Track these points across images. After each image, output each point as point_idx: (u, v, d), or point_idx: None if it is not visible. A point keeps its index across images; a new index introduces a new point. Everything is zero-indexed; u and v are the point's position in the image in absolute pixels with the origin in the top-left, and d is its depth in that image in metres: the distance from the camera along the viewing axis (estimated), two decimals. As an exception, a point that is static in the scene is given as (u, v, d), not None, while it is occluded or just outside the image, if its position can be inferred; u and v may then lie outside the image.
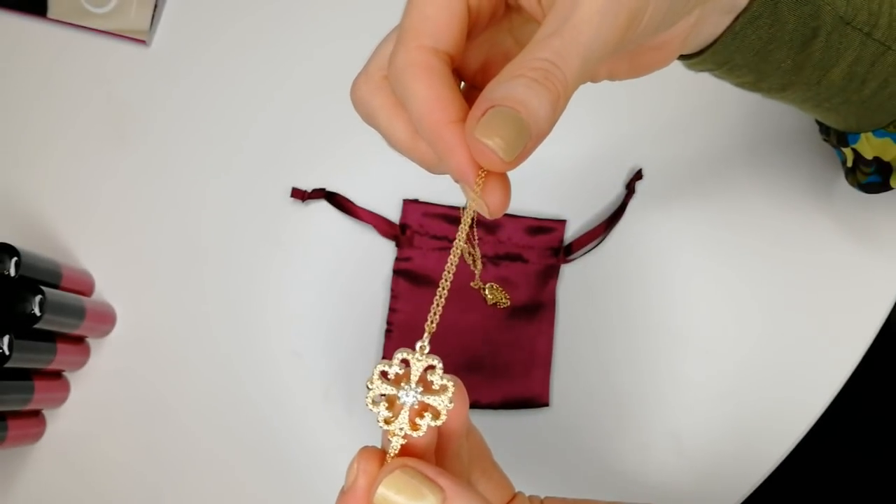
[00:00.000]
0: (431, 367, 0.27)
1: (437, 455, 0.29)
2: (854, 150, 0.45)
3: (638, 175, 0.56)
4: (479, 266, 0.53)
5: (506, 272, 0.55)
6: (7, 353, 0.47)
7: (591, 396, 0.55)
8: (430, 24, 0.27)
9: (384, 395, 0.27)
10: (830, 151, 0.54)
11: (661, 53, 0.33)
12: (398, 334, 0.55)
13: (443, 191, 0.55)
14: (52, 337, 0.52)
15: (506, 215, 0.55)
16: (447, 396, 0.26)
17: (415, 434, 0.26)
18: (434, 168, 0.30)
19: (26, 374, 0.51)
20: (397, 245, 0.56)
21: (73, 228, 0.57)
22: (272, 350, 0.56)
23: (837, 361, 0.54)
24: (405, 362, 0.27)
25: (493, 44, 0.32)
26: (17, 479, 0.55)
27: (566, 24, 0.26)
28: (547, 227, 0.55)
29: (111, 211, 0.57)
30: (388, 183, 0.56)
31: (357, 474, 0.27)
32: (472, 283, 0.53)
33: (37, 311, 0.48)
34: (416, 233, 0.55)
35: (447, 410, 0.26)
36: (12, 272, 0.48)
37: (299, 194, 0.56)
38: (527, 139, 0.25)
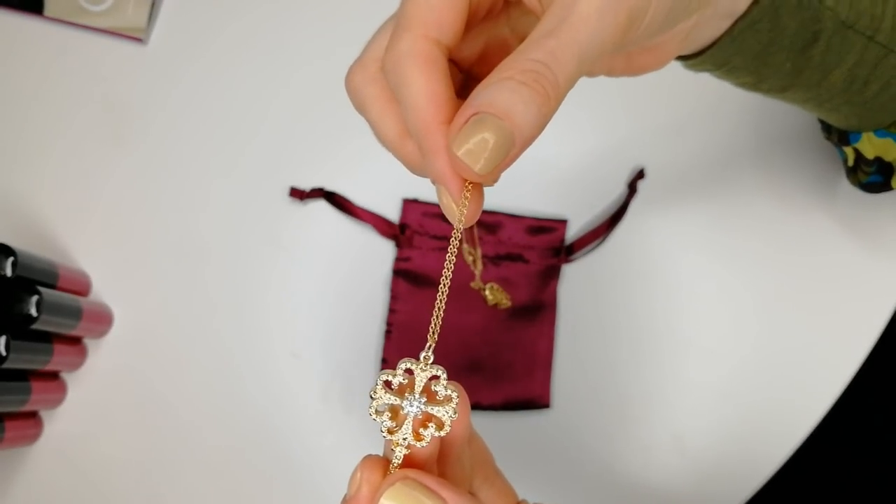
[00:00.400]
0: (436, 378, 0.26)
1: (438, 462, 0.29)
2: (855, 150, 0.44)
3: (640, 174, 0.56)
4: (480, 266, 0.53)
5: (506, 272, 0.55)
6: (4, 353, 0.47)
7: (592, 398, 0.54)
8: (434, 14, 0.27)
9: (388, 405, 0.27)
10: (833, 152, 0.54)
11: (656, 55, 0.33)
12: (397, 335, 0.54)
13: (443, 190, 0.55)
14: (48, 338, 0.51)
15: (506, 215, 0.55)
16: (451, 407, 0.26)
17: (418, 444, 0.26)
18: (417, 169, 0.29)
19: (23, 375, 0.51)
20: (397, 245, 0.55)
21: (70, 228, 0.57)
22: (271, 350, 0.55)
23: (840, 363, 0.54)
24: (409, 372, 0.27)
25: (490, 34, 0.32)
26: (15, 481, 0.54)
27: (563, 24, 0.25)
28: (548, 227, 0.55)
29: (108, 211, 0.57)
30: (388, 182, 0.56)
31: (360, 484, 0.26)
32: (472, 284, 0.53)
33: (33, 311, 0.48)
34: (416, 233, 0.55)
35: (451, 421, 0.26)
36: (9, 272, 0.48)
37: (298, 194, 0.56)
38: (509, 148, 0.24)
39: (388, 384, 0.26)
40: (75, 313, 0.51)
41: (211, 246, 0.57)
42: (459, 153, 0.24)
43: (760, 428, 0.54)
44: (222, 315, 0.56)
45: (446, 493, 0.25)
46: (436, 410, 0.26)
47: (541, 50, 0.25)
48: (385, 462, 0.27)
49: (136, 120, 0.58)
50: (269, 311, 0.56)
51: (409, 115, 0.26)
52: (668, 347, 0.55)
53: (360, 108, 0.30)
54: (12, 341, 0.47)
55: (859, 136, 0.44)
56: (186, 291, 0.56)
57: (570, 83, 0.25)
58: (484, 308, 0.54)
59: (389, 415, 0.27)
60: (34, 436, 0.54)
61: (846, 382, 0.54)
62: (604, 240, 0.55)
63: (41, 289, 0.48)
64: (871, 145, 0.43)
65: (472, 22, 0.29)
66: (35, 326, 0.48)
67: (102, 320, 0.55)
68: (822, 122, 0.47)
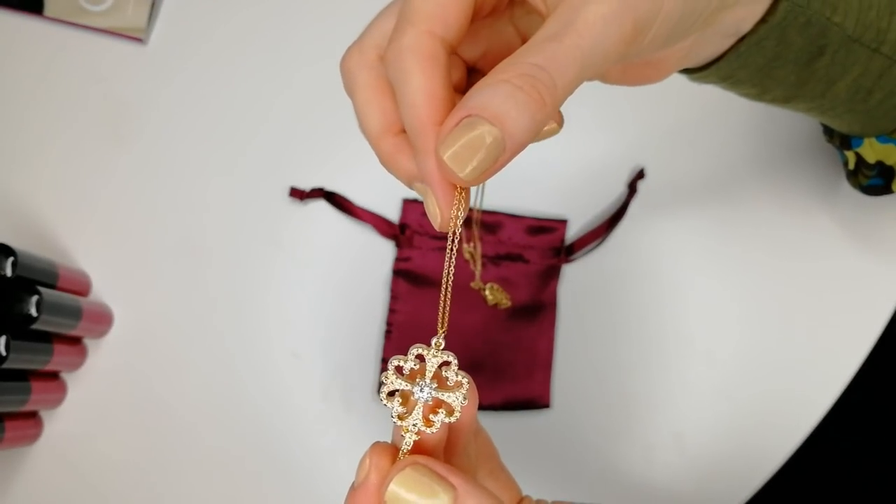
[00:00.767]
0: (447, 364, 0.26)
1: (445, 452, 0.29)
2: (857, 154, 0.44)
3: (640, 174, 0.56)
4: (480, 266, 0.53)
5: (506, 272, 0.54)
6: (4, 353, 0.47)
7: (592, 398, 0.54)
8: (439, 10, 0.26)
9: (398, 390, 0.27)
10: (834, 155, 0.54)
11: (654, 70, 0.33)
12: (398, 335, 0.54)
13: (443, 190, 0.55)
14: (48, 337, 0.51)
15: (506, 215, 0.55)
16: (462, 393, 0.26)
17: (428, 430, 0.26)
18: (389, 166, 0.29)
19: (23, 375, 0.51)
20: (397, 245, 0.55)
21: (70, 228, 0.57)
22: (271, 350, 0.55)
23: (840, 363, 0.54)
24: (420, 358, 0.26)
25: (494, 33, 0.31)
26: (15, 481, 0.54)
27: (567, 28, 0.25)
28: (548, 227, 0.55)
29: (108, 211, 0.57)
30: (388, 182, 0.55)
31: (369, 470, 0.26)
32: (472, 284, 0.53)
33: (33, 311, 0.48)
34: (416, 232, 0.55)
35: (461, 407, 0.26)
36: (9, 272, 0.48)
37: (298, 194, 0.56)
38: (499, 154, 0.24)
39: (399, 369, 0.26)
40: (75, 313, 0.51)
41: (211, 246, 0.57)
42: (445, 157, 0.24)
43: (761, 427, 0.54)
44: (222, 315, 0.56)
45: (456, 479, 0.25)
46: (446, 396, 0.26)
47: (541, 53, 0.24)
48: (394, 449, 0.27)
49: (135, 120, 0.58)
50: (269, 311, 0.56)
51: (406, 112, 0.26)
52: (669, 347, 0.55)
53: (350, 91, 0.30)
54: (12, 341, 0.47)
55: (861, 141, 0.44)
56: (186, 291, 0.56)
57: (570, 90, 0.25)
58: (484, 308, 0.54)
59: (400, 400, 0.26)
60: (34, 436, 0.54)
61: (846, 382, 0.54)
62: (604, 240, 0.55)
63: (41, 289, 0.48)
64: (872, 150, 0.43)
65: (476, 18, 0.29)
66: (35, 326, 0.48)
67: (102, 320, 0.55)
68: (824, 126, 0.47)
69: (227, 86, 0.58)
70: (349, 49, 0.30)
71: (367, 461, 0.26)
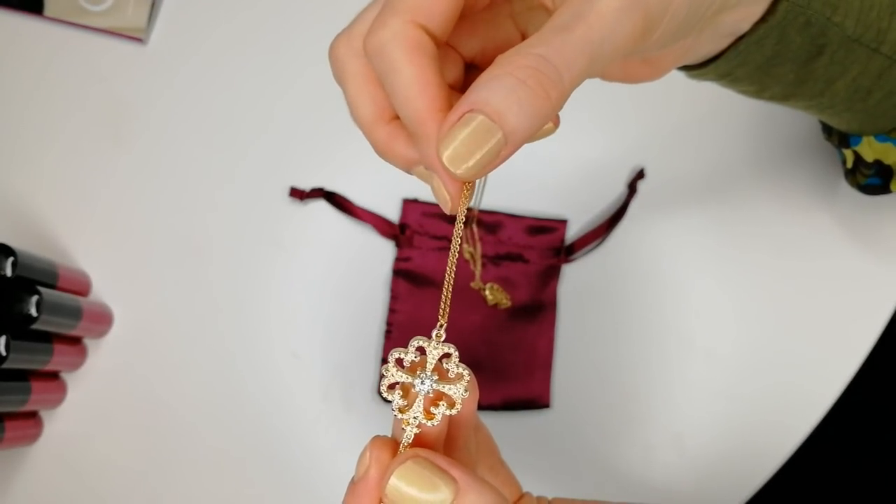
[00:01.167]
0: (447, 356, 0.26)
1: (445, 447, 0.29)
2: (855, 152, 0.44)
3: (640, 174, 0.56)
4: (480, 266, 0.53)
5: (506, 272, 0.54)
6: (4, 353, 0.46)
7: (592, 398, 0.54)
8: (427, 3, 0.26)
9: (399, 382, 0.26)
10: (833, 153, 0.54)
11: (654, 67, 0.33)
12: (398, 335, 0.54)
13: (443, 190, 0.55)
14: (48, 337, 0.51)
15: (506, 215, 0.55)
16: (463, 385, 0.26)
17: (429, 423, 0.26)
18: (385, 155, 0.29)
19: (23, 375, 0.51)
20: (397, 245, 0.55)
21: (70, 228, 0.57)
22: (271, 350, 0.55)
23: (840, 363, 0.54)
24: (421, 350, 0.26)
25: (492, 26, 0.31)
26: (15, 481, 0.54)
27: (578, 20, 0.24)
28: (548, 227, 0.55)
29: (108, 211, 0.57)
30: (388, 182, 0.56)
31: (369, 464, 0.26)
32: (472, 284, 0.53)
33: (33, 311, 0.48)
34: (416, 232, 0.55)
35: (462, 399, 0.26)
36: (9, 272, 0.48)
37: (298, 194, 0.56)
38: (500, 150, 0.23)
39: (399, 362, 0.26)
40: (75, 313, 0.51)
41: (211, 246, 0.57)
42: (444, 155, 0.23)
43: (761, 427, 0.54)
44: (222, 315, 0.56)
45: (457, 472, 0.25)
46: (447, 388, 0.26)
47: (548, 45, 0.24)
48: (394, 442, 0.27)
49: (135, 120, 0.58)
50: (269, 311, 0.56)
51: (401, 105, 0.25)
52: (669, 347, 0.55)
53: (340, 80, 0.29)
54: (12, 341, 0.47)
55: (859, 140, 0.44)
56: (187, 291, 0.56)
57: (577, 83, 0.24)
58: (484, 308, 0.54)
59: (401, 393, 0.26)
60: (34, 436, 0.54)
61: (846, 383, 0.54)
62: (604, 240, 0.55)
63: (41, 289, 0.48)
64: (870, 149, 0.43)
65: (471, 10, 0.28)
66: (35, 326, 0.48)
67: (102, 320, 0.55)
68: (823, 124, 0.47)
69: (227, 86, 0.58)
70: (337, 37, 0.29)
71: (368, 455, 0.26)
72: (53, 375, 0.54)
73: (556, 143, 0.57)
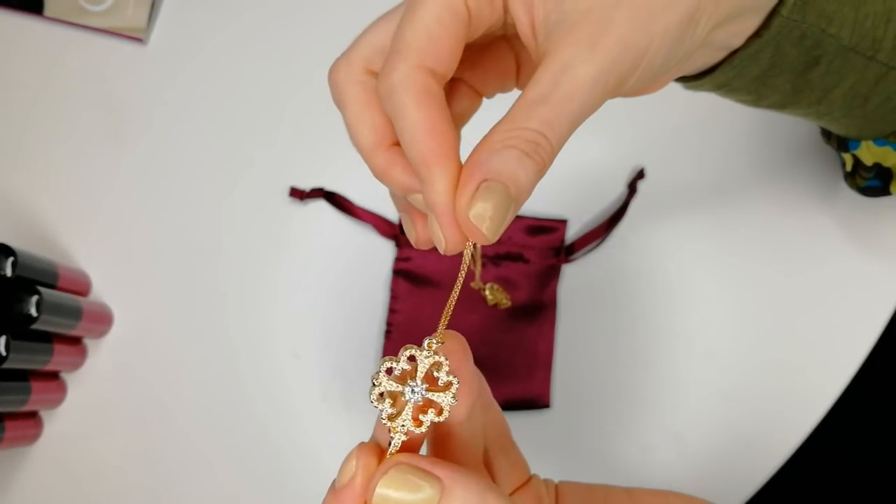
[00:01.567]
0: (438, 364, 0.26)
1: (440, 434, 0.29)
2: (854, 156, 0.44)
3: (640, 174, 0.56)
4: (480, 266, 0.53)
5: (506, 272, 0.54)
6: (4, 353, 0.47)
7: (592, 397, 0.54)
8: (433, 46, 0.27)
9: (389, 391, 0.27)
10: (833, 155, 0.54)
11: (647, 86, 0.33)
12: (398, 335, 0.54)
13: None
14: (48, 337, 0.51)
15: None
16: (451, 394, 0.26)
17: (417, 431, 0.26)
18: (383, 180, 0.30)
19: (23, 375, 0.51)
20: (397, 245, 0.55)
21: (70, 228, 0.57)
22: (271, 351, 0.55)
23: (840, 363, 0.54)
24: (412, 359, 0.27)
25: (492, 56, 0.32)
26: (14, 481, 0.54)
27: (558, 91, 0.26)
28: (548, 227, 0.55)
29: (108, 211, 0.57)
30: (388, 182, 0.56)
31: (356, 471, 0.26)
32: (472, 284, 0.53)
33: (33, 311, 0.48)
34: (416, 232, 0.55)
35: (451, 407, 0.26)
36: (9, 272, 0.48)
37: (298, 194, 0.56)
38: (512, 213, 0.26)
39: (390, 371, 0.27)
40: (75, 313, 0.51)
41: (211, 246, 0.57)
42: (472, 214, 0.26)
43: (760, 428, 0.54)
44: (222, 315, 0.56)
45: (441, 470, 0.25)
46: (436, 397, 0.26)
47: (537, 119, 0.26)
48: (380, 448, 0.27)
49: (136, 120, 0.58)
50: (268, 310, 0.56)
51: (408, 147, 0.27)
52: (669, 347, 0.55)
53: (339, 105, 0.30)
54: (12, 341, 0.47)
55: (858, 144, 0.44)
56: (186, 291, 0.56)
57: (562, 146, 0.27)
58: (484, 308, 0.54)
59: (391, 401, 0.27)
60: (34, 436, 0.54)
61: (846, 383, 0.54)
62: (604, 240, 0.55)
63: (41, 289, 0.48)
64: (869, 153, 0.43)
65: (474, 52, 0.30)
66: (35, 326, 0.48)
67: (102, 320, 0.55)
68: (822, 128, 0.47)
69: (228, 86, 0.58)
70: (337, 62, 0.30)
71: (354, 461, 0.26)
72: (53, 375, 0.54)
73: (556, 143, 0.57)
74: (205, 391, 0.55)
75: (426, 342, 0.27)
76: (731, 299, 0.55)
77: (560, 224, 0.55)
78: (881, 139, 0.42)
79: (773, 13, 0.32)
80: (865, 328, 0.54)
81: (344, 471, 0.27)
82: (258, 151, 0.58)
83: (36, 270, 0.50)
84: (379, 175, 0.30)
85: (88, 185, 0.57)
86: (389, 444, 0.27)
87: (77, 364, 0.55)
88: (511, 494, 0.32)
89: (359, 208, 0.56)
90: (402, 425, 0.26)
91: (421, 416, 0.26)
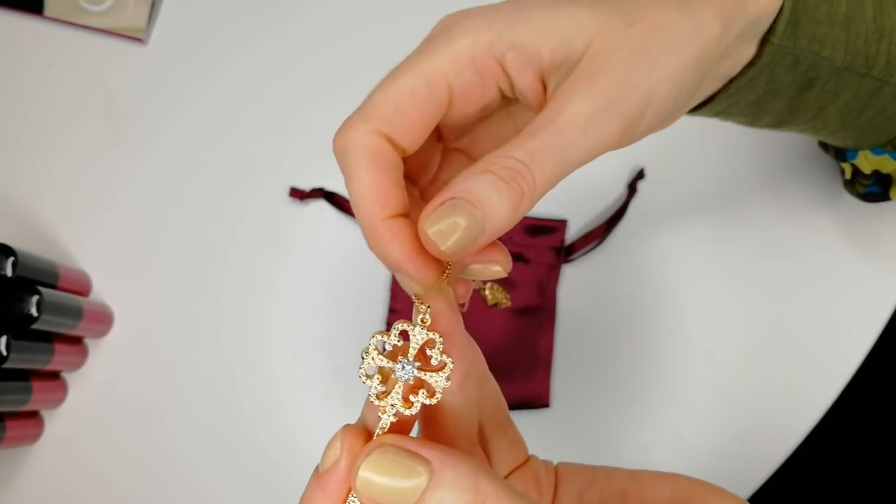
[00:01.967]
0: (431, 343, 0.25)
1: (431, 407, 0.27)
2: (853, 165, 0.45)
3: (640, 175, 0.56)
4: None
5: (506, 272, 0.54)
6: (4, 353, 0.47)
7: (592, 397, 0.54)
8: (398, 116, 0.27)
9: (380, 368, 0.25)
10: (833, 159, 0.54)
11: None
12: (398, 335, 0.54)
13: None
14: (49, 337, 0.51)
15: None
16: (444, 375, 0.25)
17: (407, 412, 0.25)
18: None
19: (24, 375, 0.51)
20: (397, 245, 0.55)
21: (70, 228, 0.57)
22: (271, 350, 0.55)
23: (839, 363, 0.54)
24: (404, 335, 0.25)
25: (488, 121, 0.32)
26: (16, 480, 0.54)
27: (548, 125, 0.26)
28: (548, 227, 0.55)
29: (108, 210, 0.57)
30: (388, 182, 0.56)
31: (340, 454, 0.25)
32: (472, 284, 0.53)
33: (34, 311, 0.48)
34: (416, 232, 0.55)
35: (443, 389, 0.25)
36: (9, 272, 0.48)
37: (298, 194, 0.56)
38: (478, 234, 0.25)
39: (381, 347, 0.25)
40: (76, 313, 0.51)
41: (211, 246, 0.57)
42: (430, 231, 0.25)
43: (760, 428, 0.54)
44: (222, 315, 0.56)
45: (429, 452, 0.23)
46: (428, 377, 0.25)
47: (522, 149, 0.25)
48: (365, 431, 0.26)
49: (135, 120, 0.58)
50: (269, 311, 0.56)
51: (355, 209, 0.27)
52: (668, 347, 0.55)
53: (343, 170, 0.30)
54: (13, 341, 0.47)
55: (856, 154, 0.44)
56: (186, 291, 0.56)
57: (549, 185, 0.26)
58: (484, 308, 0.54)
59: (380, 378, 0.25)
60: (35, 435, 0.54)
61: (845, 383, 0.54)
62: (603, 240, 0.55)
63: (41, 289, 0.48)
64: (867, 162, 0.44)
65: (467, 124, 0.30)
66: (35, 326, 0.48)
67: (103, 320, 0.55)
68: (819, 140, 0.47)
69: (227, 86, 0.58)
70: (347, 124, 0.30)
71: (339, 444, 0.25)
72: (54, 375, 0.54)
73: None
74: (205, 390, 0.55)
75: (419, 318, 0.25)
76: (730, 299, 0.55)
77: (560, 224, 0.55)
78: (878, 148, 0.42)
79: (764, 41, 0.32)
80: (864, 329, 0.54)
81: (328, 454, 0.25)
82: (258, 151, 0.58)
83: (36, 270, 0.50)
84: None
85: (88, 185, 0.57)
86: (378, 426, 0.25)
87: (78, 364, 0.55)
88: (509, 475, 0.31)
89: (359, 208, 0.56)
90: (392, 405, 0.25)
91: (411, 397, 0.25)
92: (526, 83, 0.28)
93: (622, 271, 0.55)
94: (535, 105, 0.29)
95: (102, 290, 0.56)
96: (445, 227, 0.25)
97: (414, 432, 0.27)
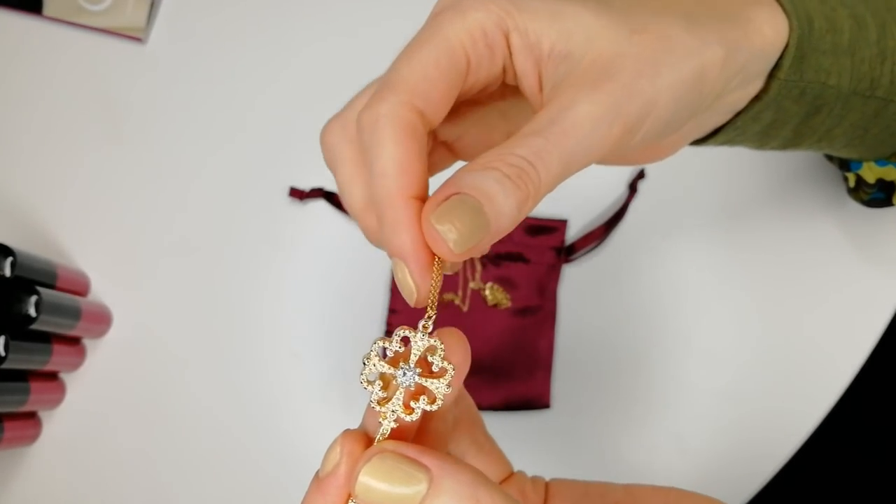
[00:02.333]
0: (433, 349, 0.25)
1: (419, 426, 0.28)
2: (857, 174, 0.45)
3: (640, 174, 0.56)
4: (480, 266, 0.52)
5: (507, 272, 0.54)
6: (3, 354, 0.46)
7: (592, 398, 0.54)
8: (426, 85, 0.26)
9: (381, 373, 0.25)
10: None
11: (650, 154, 0.33)
12: (398, 335, 0.54)
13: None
14: (47, 338, 0.51)
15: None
16: (446, 381, 0.25)
17: (408, 418, 0.25)
18: (374, 240, 0.29)
19: (22, 376, 0.51)
20: (397, 245, 0.55)
21: (69, 228, 0.57)
22: (271, 351, 0.55)
23: (840, 365, 0.54)
24: (406, 341, 0.25)
25: (480, 116, 0.31)
26: (14, 481, 0.54)
27: (554, 126, 0.25)
28: (548, 227, 0.55)
29: (107, 210, 0.57)
30: (388, 182, 0.56)
31: (340, 459, 0.25)
32: (472, 284, 0.53)
33: (32, 311, 0.48)
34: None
35: (444, 395, 0.25)
36: (8, 272, 0.48)
37: (297, 194, 0.56)
38: (485, 233, 0.24)
39: (382, 353, 0.25)
40: (74, 313, 0.51)
41: (211, 246, 0.57)
42: (440, 227, 0.24)
43: (761, 428, 0.54)
44: (222, 315, 0.56)
45: (429, 460, 0.24)
46: (430, 383, 0.25)
47: (528, 147, 0.25)
48: (366, 436, 0.26)
49: (135, 119, 0.58)
50: (268, 311, 0.56)
51: (376, 181, 0.26)
52: (669, 348, 0.54)
53: (331, 165, 0.30)
54: (11, 341, 0.47)
55: (860, 165, 0.44)
56: (186, 291, 0.56)
57: (553, 185, 0.25)
58: (484, 308, 0.54)
59: (381, 384, 0.25)
60: (33, 436, 0.54)
61: (846, 384, 0.54)
62: (604, 240, 0.55)
63: (40, 289, 0.48)
64: (871, 172, 0.44)
65: (461, 99, 0.29)
66: (34, 326, 0.48)
67: (101, 320, 0.55)
68: None
69: (227, 85, 0.58)
70: (330, 122, 0.30)
71: (339, 449, 0.25)
72: (52, 376, 0.54)
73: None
74: (204, 391, 0.55)
75: (421, 324, 0.25)
76: (731, 299, 0.55)
77: (560, 224, 0.55)
78: (882, 160, 0.42)
79: (771, 76, 0.32)
80: (865, 330, 0.54)
81: (328, 459, 0.25)
82: (257, 151, 0.58)
83: (35, 270, 0.50)
84: (370, 236, 0.29)
85: (88, 184, 0.57)
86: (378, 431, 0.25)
87: (76, 364, 0.55)
88: None
89: (358, 208, 0.56)
90: (393, 411, 0.25)
91: (412, 403, 0.25)
92: (525, 69, 0.28)
93: (623, 271, 0.55)
94: (529, 94, 0.28)
95: (101, 291, 0.56)
96: (451, 224, 0.24)
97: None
